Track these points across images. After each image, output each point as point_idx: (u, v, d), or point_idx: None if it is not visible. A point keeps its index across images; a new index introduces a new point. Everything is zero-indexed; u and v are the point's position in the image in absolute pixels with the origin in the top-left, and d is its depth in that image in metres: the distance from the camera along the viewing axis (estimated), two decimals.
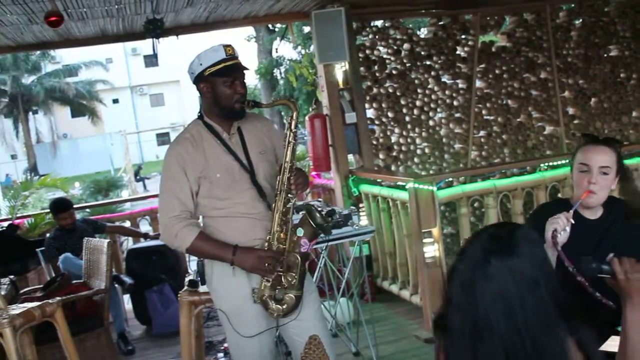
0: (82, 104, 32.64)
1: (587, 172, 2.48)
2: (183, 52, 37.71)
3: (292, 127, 2.69)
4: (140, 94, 42.05)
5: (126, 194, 20.56)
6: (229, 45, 2.70)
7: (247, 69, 2.75)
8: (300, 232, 2.65)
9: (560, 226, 2.28)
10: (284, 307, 2.68)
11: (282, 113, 20.52)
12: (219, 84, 2.67)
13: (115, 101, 40.03)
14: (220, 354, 4.74)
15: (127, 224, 6.70)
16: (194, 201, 2.73)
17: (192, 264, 6.59)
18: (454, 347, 1.60)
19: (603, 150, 2.50)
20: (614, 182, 2.53)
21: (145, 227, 6.76)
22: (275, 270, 2.64)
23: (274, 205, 2.69)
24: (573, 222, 2.32)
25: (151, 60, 40.19)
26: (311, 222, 2.64)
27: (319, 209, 2.78)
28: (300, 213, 2.79)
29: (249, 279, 2.70)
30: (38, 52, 28.53)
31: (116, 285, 5.33)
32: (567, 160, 5.60)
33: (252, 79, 23.79)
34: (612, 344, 2.05)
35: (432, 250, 4.65)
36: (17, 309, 3.35)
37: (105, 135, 37.36)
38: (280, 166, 2.70)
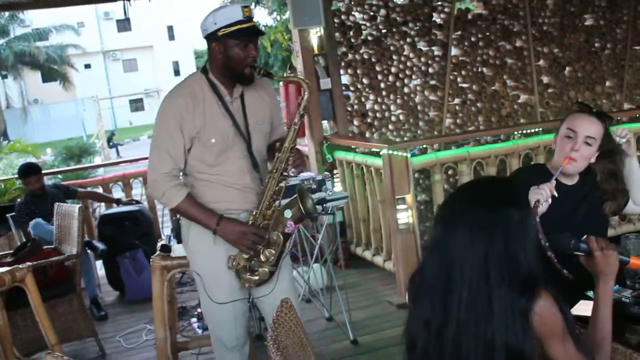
0: (53, 69, 32.01)
1: (572, 138, 2.49)
2: (156, 17, 37.20)
3: (301, 109, 2.62)
4: (113, 59, 41.45)
5: (99, 161, 20.39)
6: (247, 6, 2.56)
7: (263, 33, 2.64)
8: (288, 213, 2.60)
9: (543, 197, 2.28)
10: (256, 278, 2.66)
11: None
12: (232, 46, 2.55)
13: (87, 66, 39.43)
14: (194, 319, 4.75)
15: (100, 190, 6.63)
16: (185, 158, 2.67)
17: (166, 229, 6.59)
18: (426, 292, 1.69)
19: (592, 121, 2.50)
20: (594, 156, 2.54)
21: (117, 193, 6.70)
22: (255, 248, 2.63)
23: (266, 181, 2.64)
24: (556, 194, 2.32)
25: (124, 24, 39.62)
26: (301, 208, 2.59)
27: (312, 195, 2.74)
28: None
29: (227, 247, 2.66)
30: (6, 14, 27.90)
31: (88, 251, 5.29)
32: (541, 129, 5.67)
33: None
34: (581, 308, 2.08)
35: (406, 216, 4.67)
36: None
37: (77, 100, 36.84)
38: (281, 145, 2.63)
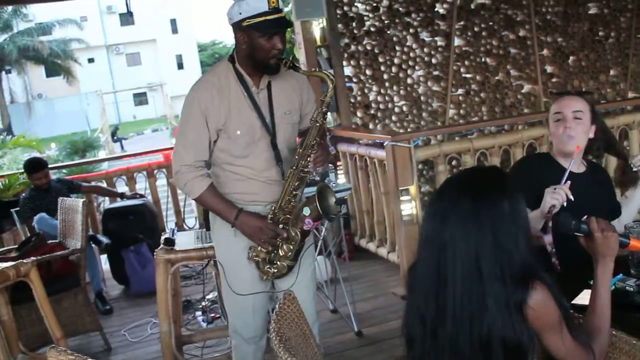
0: (56, 64, 32.06)
1: (562, 120, 2.54)
2: (159, 10, 37.18)
3: (324, 106, 2.59)
4: (117, 53, 41.42)
5: (103, 155, 20.43)
6: None
7: (290, 25, 2.59)
8: (306, 211, 2.58)
9: (559, 202, 2.27)
10: (275, 271, 2.68)
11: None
12: (256, 37, 2.50)
13: (91, 60, 39.41)
14: (199, 313, 4.76)
15: (103, 184, 6.64)
16: (211, 150, 2.67)
17: (170, 223, 6.60)
18: (420, 287, 1.69)
19: (573, 98, 2.58)
20: (591, 130, 2.57)
21: (122, 187, 6.70)
22: (273, 244, 2.63)
23: (287, 176, 2.63)
24: (572, 198, 2.30)
25: (127, 18, 39.51)
26: (318, 207, 2.55)
27: (334, 189, 2.71)
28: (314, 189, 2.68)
29: (249, 239, 2.68)
30: (9, 9, 27.92)
31: (93, 245, 5.30)
32: (545, 119, 5.64)
33: (230, 38, 23.52)
34: (584, 297, 2.07)
35: (409, 208, 4.65)
36: None
37: (81, 95, 36.88)
38: (302, 142, 2.60)
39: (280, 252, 2.66)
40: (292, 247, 2.65)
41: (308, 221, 2.59)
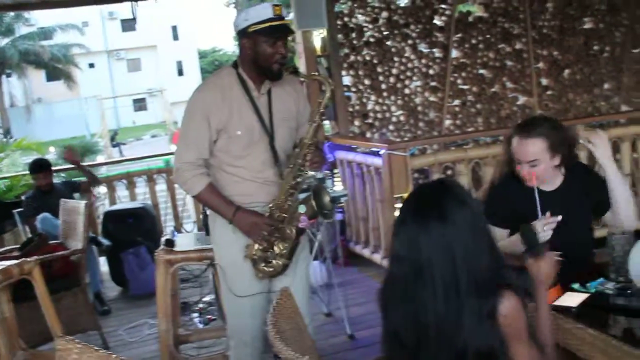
0: (57, 68, 32.11)
1: (520, 163, 2.56)
2: (160, 17, 37.29)
3: (322, 107, 2.69)
4: (117, 59, 41.53)
5: (102, 160, 20.45)
6: (278, 5, 2.65)
7: (293, 32, 2.74)
8: (302, 209, 2.67)
9: (548, 236, 2.35)
10: (271, 270, 2.75)
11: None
12: (261, 42, 2.64)
13: (92, 65, 39.49)
14: (195, 315, 4.84)
15: (104, 189, 6.71)
16: (211, 149, 2.76)
17: (169, 227, 6.68)
18: (395, 309, 1.76)
19: (527, 143, 2.52)
20: (556, 159, 2.55)
21: (122, 191, 6.77)
22: (268, 240, 2.71)
23: (284, 175, 2.72)
24: (554, 225, 2.37)
25: (128, 24, 39.64)
26: (314, 205, 2.65)
27: (329, 191, 2.81)
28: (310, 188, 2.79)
29: (247, 239, 2.76)
30: (12, 13, 28.00)
31: (93, 247, 5.38)
32: None
33: (230, 45, 23.64)
34: (565, 299, 2.17)
35: None
36: None
37: (80, 99, 36.89)
38: (300, 141, 2.71)
39: (276, 250, 2.74)
40: (287, 245, 2.73)
41: (303, 218, 2.67)
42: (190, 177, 2.74)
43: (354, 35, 6.30)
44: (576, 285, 2.18)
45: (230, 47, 42.53)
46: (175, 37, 43.03)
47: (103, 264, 5.98)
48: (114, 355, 1.71)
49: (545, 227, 2.34)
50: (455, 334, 1.65)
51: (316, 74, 3.01)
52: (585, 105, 7.25)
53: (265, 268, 2.76)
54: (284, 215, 2.71)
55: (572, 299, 2.14)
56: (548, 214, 2.38)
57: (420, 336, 1.69)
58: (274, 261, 2.75)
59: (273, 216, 2.71)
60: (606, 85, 7.44)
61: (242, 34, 2.68)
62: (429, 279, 1.67)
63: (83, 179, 6.02)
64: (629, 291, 2.13)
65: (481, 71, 6.90)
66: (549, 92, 7.18)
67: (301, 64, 6.06)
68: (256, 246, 2.74)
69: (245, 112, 2.73)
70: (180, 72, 42.26)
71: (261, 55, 2.66)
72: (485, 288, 1.66)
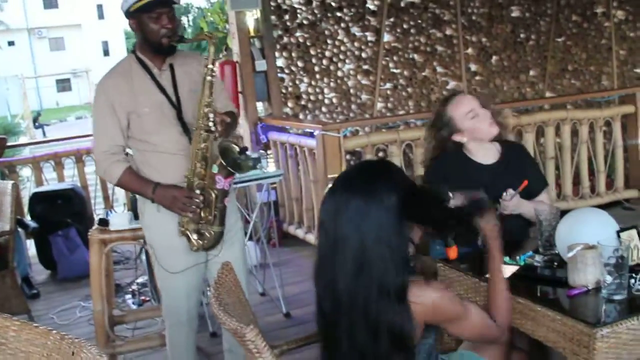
0: None
1: (477, 115, 2.77)
2: None
3: (209, 63, 2.67)
4: (39, 37, 40.12)
5: (25, 141, 19.79)
6: None
7: (175, 2, 2.69)
8: (214, 168, 2.66)
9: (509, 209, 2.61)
10: (205, 242, 2.75)
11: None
12: (144, 20, 2.63)
13: (11, 43, 38.05)
14: (128, 296, 4.79)
15: (29, 170, 6.50)
16: (124, 136, 2.75)
17: (98, 209, 6.55)
18: (320, 260, 1.81)
19: (467, 96, 2.88)
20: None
21: (49, 172, 6.58)
22: (191, 210, 2.70)
23: (192, 142, 2.70)
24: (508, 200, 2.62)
25: (50, 1, 38.37)
26: (223, 162, 2.64)
27: (235, 148, 2.78)
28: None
29: (173, 214, 2.74)
30: None
31: (19, 230, 5.23)
32: None
33: None
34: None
35: None
36: None
37: (0, 79, 35.53)
38: (199, 100, 2.67)
39: (203, 217, 2.71)
40: (213, 210, 2.71)
41: (219, 178, 2.66)
42: (107, 165, 2.74)
43: (287, 17, 6.30)
44: (507, 259, 2.29)
45: None
46: (101, 16, 41.87)
47: (30, 247, 5.83)
48: (54, 331, 1.70)
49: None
50: (367, 307, 1.70)
51: (199, 33, 2.97)
52: (512, 90, 7.49)
53: (199, 240, 2.74)
54: (202, 181, 2.69)
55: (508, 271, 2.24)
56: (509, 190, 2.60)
57: (335, 306, 1.74)
58: (206, 232, 2.73)
59: (192, 185, 2.69)
60: (532, 72, 7.69)
61: (128, 16, 2.68)
62: (341, 251, 1.71)
63: None
64: (555, 263, 2.26)
65: (412, 55, 7.02)
66: (477, 78, 7.37)
67: (234, 45, 6.03)
68: (186, 219, 2.72)
69: (150, 91, 2.73)
70: (106, 53, 41.19)
71: (148, 33, 2.66)
72: (393, 274, 1.69)
